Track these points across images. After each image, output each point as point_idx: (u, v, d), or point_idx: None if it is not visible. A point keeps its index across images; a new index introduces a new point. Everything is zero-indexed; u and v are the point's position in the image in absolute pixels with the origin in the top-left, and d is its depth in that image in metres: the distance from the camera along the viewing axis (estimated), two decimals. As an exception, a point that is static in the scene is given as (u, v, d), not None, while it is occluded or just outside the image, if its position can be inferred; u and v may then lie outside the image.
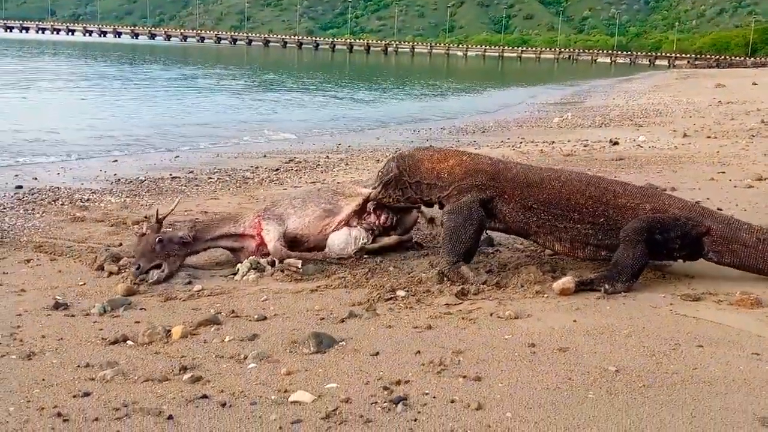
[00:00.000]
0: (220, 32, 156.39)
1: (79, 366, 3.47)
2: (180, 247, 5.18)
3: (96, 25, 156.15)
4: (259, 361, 3.50)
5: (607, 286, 4.45)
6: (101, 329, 4.03)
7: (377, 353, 3.58)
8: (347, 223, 5.48)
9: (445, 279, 4.71)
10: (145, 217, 5.40)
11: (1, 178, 9.41)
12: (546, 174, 5.00)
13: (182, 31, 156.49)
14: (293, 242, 5.43)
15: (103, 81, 31.45)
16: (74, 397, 3.11)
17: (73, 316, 4.27)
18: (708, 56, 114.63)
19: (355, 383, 3.23)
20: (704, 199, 7.16)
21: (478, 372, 3.31)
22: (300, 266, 5.05)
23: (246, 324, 4.08)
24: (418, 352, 3.58)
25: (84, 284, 4.91)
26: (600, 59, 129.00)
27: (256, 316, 4.17)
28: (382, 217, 5.50)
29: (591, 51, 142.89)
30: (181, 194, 8.60)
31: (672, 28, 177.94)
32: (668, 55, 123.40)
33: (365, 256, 5.39)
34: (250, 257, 5.29)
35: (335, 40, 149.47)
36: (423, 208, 5.88)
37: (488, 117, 21.33)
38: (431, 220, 6.10)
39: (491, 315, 4.11)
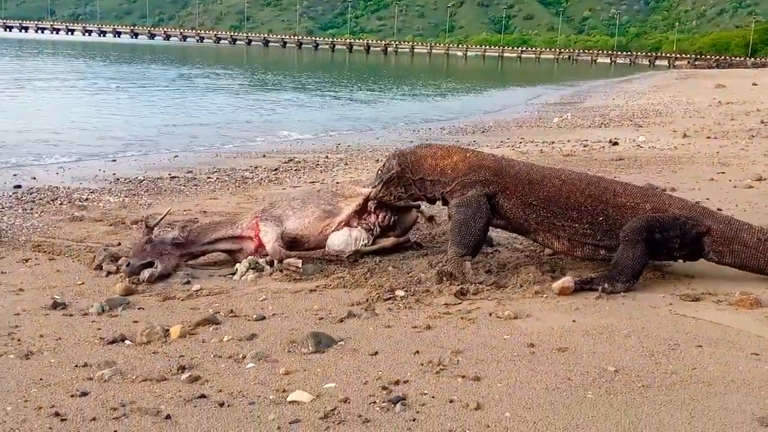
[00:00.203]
0: (219, 32, 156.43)
1: (77, 365, 3.46)
2: (173, 247, 5.21)
3: (95, 25, 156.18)
4: (257, 360, 3.49)
5: (606, 286, 4.44)
6: (99, 329, 4.02)
7: (376, 353, 3.57)
8: (347, 223, 5.47)
9: (444, 278, 4.70)
10: (144, 217, 5.40)
11: (-1, 178, 9.41)
12: (547, 172, 5.04)
13: (182, 30, 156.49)
14: (293, 243, 5.43)
15: (103, 81, 31.43)
16: (72, 396, 3.10)
17: (71, 315, 4.26)
18: (708, 56, 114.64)
19: (354, 383, 3.22)
20: (704, 199, 7.15)
21: (477, 372, 3.31)
22: (300, 266, 5.05)
23: (244, 324, 4.07)
24: (417, 352, 3.58)
25: (82, 284, 4.91)
26: (600, 60, 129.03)
27: (254, 316, 4.17)
28: (381, 216, 5.49)
29: (591, 51, 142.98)
30: (179, 194, 8.60)
31: (672, 28, 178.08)
32: (668, 55, 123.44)
33: (364, 256, 5.38)
34: (249, 257, 5.28)
35: (335, 40, 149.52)
36: (422, 207, 5.89)
37: (488, 117, 21.33)
38: (431, 219, 6.09)
39: (490, 315, 4.11)
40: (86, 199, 8.03)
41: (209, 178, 9.77)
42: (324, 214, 5.48)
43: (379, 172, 5.42)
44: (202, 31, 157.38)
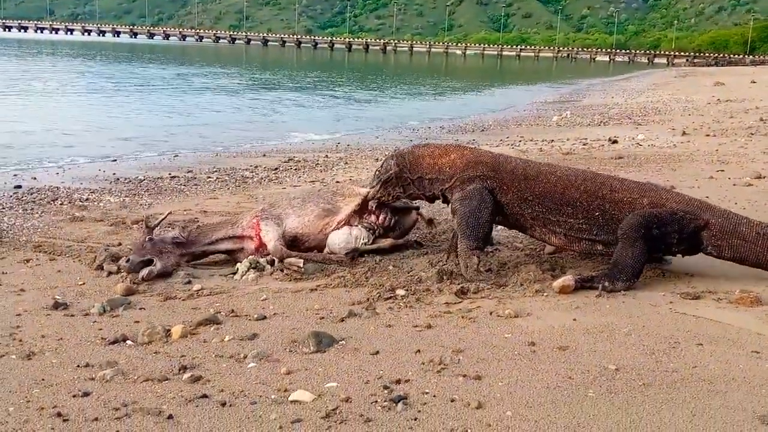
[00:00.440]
0: (218, 31, 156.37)
1: (78, 366, 3.47)
2: (173, 246, 5.23)
3: (94, 25, 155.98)
4: (258, 360, 3.50)
5: (607, 284, 4.44)
6: (101, 329, 4.03)
7: (377, 352, 3.58)
8: (347, 222, 5.48)
9: (445, 277, 4.71)
10: (145, 217, 5.42)
11: None
12: (543, 168, 5.07)
13: (181, 30, 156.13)
14: (293, 242, 5.44)
15: (104, 81, 31.40)
16: (74, 396, 3.11)
17: (72, 315, 4.27)
18: (707, 54, 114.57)
19: (355, 382, 3.23)
20: (703, 197, 7.10)
21: (478, 371, 3.31)
22: (302, 265, 5.06)
23: (246, 323, 4.07)
24: (418, 351, 3.58)
25: (83, 284, 4.91)
26: (599, 58, 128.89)
27: (255, 316, 4.17)
28: (381, 217, 5.50)
29: (590, 49, 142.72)
30: (180, 194, 8.60)
31: (671, 26, 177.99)
32: (667, 53, 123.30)
33: (364, 255, 5.39)
34: (249, 257, 5.29)
35: (334, 39, 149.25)
36: (422, 210, 5.91)
37: (488, 116, 21.33)
38: (430, 222, 6.11)
39: (491, 314, 4.11)
40: (87, 199, 8.03)
41: (209, 177, 9.77)
42: (323, 213, 5.50)
43: (377, 172, 5.45)
44: (201, 31, 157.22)
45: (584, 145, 12.95)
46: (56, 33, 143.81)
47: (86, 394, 3.12)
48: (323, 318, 4.14)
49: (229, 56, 77.86)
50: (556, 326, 3.89)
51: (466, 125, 18.16)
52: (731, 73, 56.00)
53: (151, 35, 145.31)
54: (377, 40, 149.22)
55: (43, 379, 3.30)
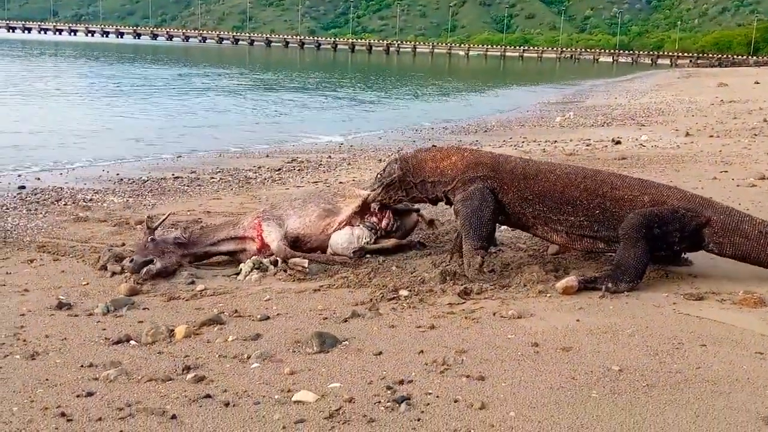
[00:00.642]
0: (222, 32, 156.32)
1: (82, 366, 3.48)
2: (175, 246, 5.25)
3: (98, 26, 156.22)
4: (262, 360, 3.50)
5: (610, 285, 4.44)
6: (104, 329, 4.03)
7: (380, 353, 3.58)
8: (349, 223, 5.49)
9: (448, 277, 4.71)
10: (147, 218, 5.43)
11: (3, 179, 9.43)
12: (543, 167, 5.09)
13: (184, 31, 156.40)
14: (295, 243, 5.44)
15: (112, 83, 31.42)
16: (78, 396, 3.11)
17: (76, 316, 4.27)
18: (710, 55, 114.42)
19: (359, 383, 3.23)
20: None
21: (481, 371, 3.31)
22: (306, 265, 5.07)
23: (249, 324, 4.08)
24: (422, 351, 3.58)
25: (87, 284, 4.92)
26: (602, 59, 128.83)
27: (259, 316, 4.17)
28: (384, 222, 5.52)
29: (593, 50, 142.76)
30: (183, 194, 8.61)
31: (674, 27, 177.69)
32: (670, 54, 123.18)
33: (367, 256, 5.41)
34: (253, 257, 5.29)
35: (337, 40, 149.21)
36: (422, 211, 5.92)
37: (491, 117, 21.32)
38: (431, 223, 6.12)
39: (494, 314, 4.11)
40: (90, 200, 8.05)
41: (213, 178, 9.79)
42: (324, 213, 5.51)
43: (379, 175, 5.47)
44: (205, 32, 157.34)
45: (587, 145, 12.94)
46: (60, 34, 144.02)
47: (90, 394, 3.12)
48: (326, 318, 4.15)
49: (232, 57, 77.92)
50: (560, 327, 3.89)
51: (469, 126, 18.16)
52: (735, 73, 55.94)
53: (155, 36, 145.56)
54: (380, 41, 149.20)
55: (47, 379, 3.31)
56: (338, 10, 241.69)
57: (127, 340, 3.83)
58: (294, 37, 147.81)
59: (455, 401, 3.03)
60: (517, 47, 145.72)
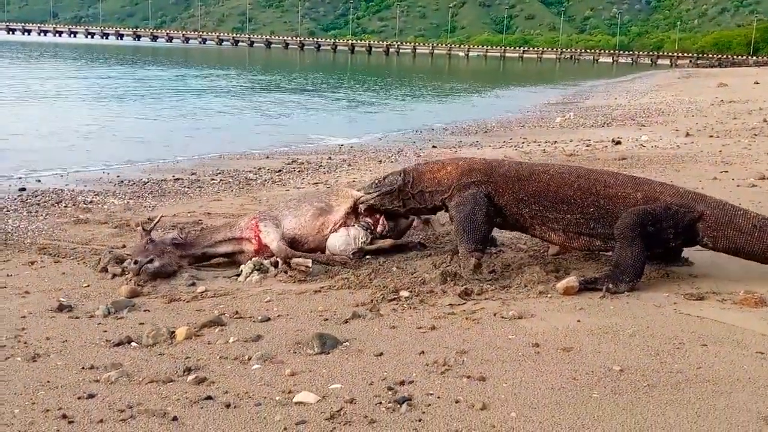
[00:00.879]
0: (221, 34, 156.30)
1: (83, 368, 3.48)
2: (174, 247, 5.26)
3: (98, 28, 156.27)
4: (263, 362, 3.50)
5: (611, 286, 4.45)
6: (105, 331, 4.04)
7: (381, 354, 3.58)
8: (344, 223, 5.51)
9: (449, 278, 4.72)
10: (149, 219, 5.44)
11: (4, 181, 9.43)
12: (536, 168, 5.17)
13: (184, 32, 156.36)
14: (292, 244, 5.45)
15: (112, 86, 31.43)
16: (79, 398, 3.11)
17: (77, 318, 4.28)
18: (710, 55, 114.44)
19: (360, 384, 3.23)
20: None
21: (482, 372, 3.31)
22: (310, 265, 5.08)
23: (250, 325, 4.08)
24: (422, 352, 3.58)
25: (88, 286, 4.92)
26: (602, 59, 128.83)
27: (259, 317, 4.18)
28: (379, 227, 5.55)
29: (593, 51, 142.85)
30: (184, 196, 8.62)
31: (674, 27, 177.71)
32: (670, 54, 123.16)
33: (367, 257, 5.41)
34: (253, 259, 5.30)
35: (337, 41, 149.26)
36: None
37: (491, 117, 21.31)
38: (426, 222, 6.16)
39: (495, 315, 4.11)
40: (90, 202, 8.06)
41: (213, 179, 9.79)
42: (317, 212, 5.54)
43: (378, 182, 5.53)
44: (205, 33, 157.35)
45: (587, 146, 12.95)
46: (59, 36, 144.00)
47: (91, 396, 3.13)
48: (327, 320, 4.15)
49: (232, 59, 77.92)
50: (560, 327, 3.89)
51: (470, 127, 18.16)
52: (734, 74, 55.95)
53: (154, 38, 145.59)
54: (380, 42, 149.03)
55: (48, 381, 3.31)
56: (338, 11, 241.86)
57: (128, 342, 3.83)
58: (294, 38, 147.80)
59: (456, 402, 3.03)
60: (517, 48, 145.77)
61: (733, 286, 4.52)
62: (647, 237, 4.57)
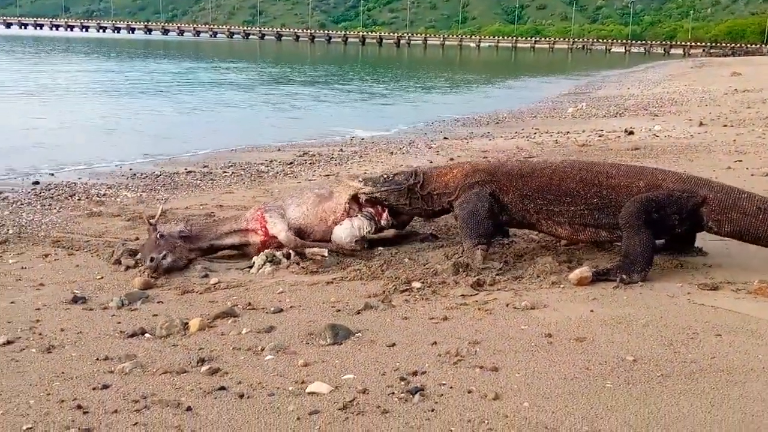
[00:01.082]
0: (232, 27, 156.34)
1: (98, 359, 3.50)
2: (182, 240, 5.28)
3: (110, 22, 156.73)
4: (276, 352, 3.52)
5: (624, 277, 4.44)
6: (119, 322, 4.06)
7: (393, 344, 3.59)
8: (347, 214, 5.52)
9: (461, 269, 4.73)
10: (147, 216, 5.47)
11: (17, 175, 9.50)
12: (538, 164, 5.28)
13: (195, 26, 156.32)
14: (299, 234, 5.46)
15: (129, 81, 31.51)
16: (93, 389, 3.14)
17: (91, 309, 4.30)
18: (723, 44, 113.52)
19: (372, 374, 3.24)
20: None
21: (495, 362, 3.31)
22: (326, 254, 5.11)
23: (263, 316, 4.10)
24: (435, 343, 3.59)
25: (102, 278, 4.95)
26: (614, 49, 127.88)
27: (272, 309, 4.19)
28: (383, 222, 5.56)
29: (605, 41, 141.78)
30: (196, 188, 8.64)
31: (686, 16, 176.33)
32: (683, 43, 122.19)
33: (379, 249, 5.43)
34: (266, 250, 5.31)
35: (348, 33, 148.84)
36: None
37: (503, 108, 21.23)
38: None
39: (507, 305, 4.11)
40: (104, 195, 8.09)
41: (225, 172, 9.81)
42: (319, 199, 5.55)
43: (386, 176, 5.55)
44: (216, 26, 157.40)
45: (600, 136, 12.88)
46: (71, 30, 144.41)
47: (106, 387, 3.15)
48: (339, 311, 4.16)
49: (244, 51, 78.00)
50: (573, 318, 3.89)
51: (481, 118, 18.10)
52: (748, 62, 55.49)
53: (166, 32, 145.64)
54: (391, 34, 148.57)
55: (63, 372, 3.33)
56: (348, 3, 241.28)
57: (142, 333, 3.85)
58: (304, 30, 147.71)
59: (469, 392, 3.04)
60: (529, 38, 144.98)
61: (747, 275, 4.50)
62: (652, 224, 4.59)
